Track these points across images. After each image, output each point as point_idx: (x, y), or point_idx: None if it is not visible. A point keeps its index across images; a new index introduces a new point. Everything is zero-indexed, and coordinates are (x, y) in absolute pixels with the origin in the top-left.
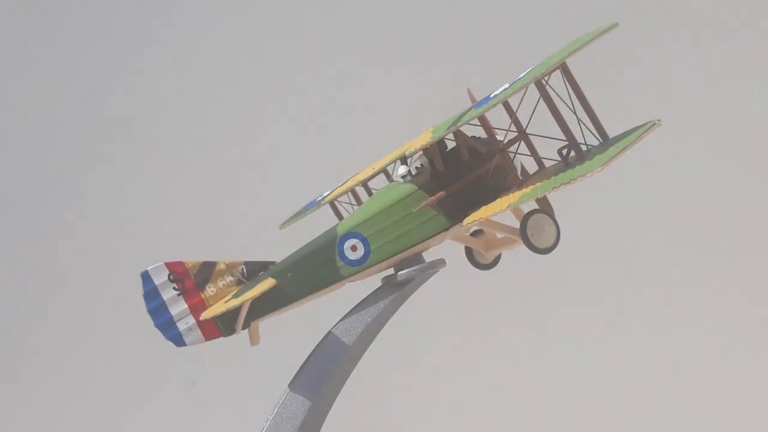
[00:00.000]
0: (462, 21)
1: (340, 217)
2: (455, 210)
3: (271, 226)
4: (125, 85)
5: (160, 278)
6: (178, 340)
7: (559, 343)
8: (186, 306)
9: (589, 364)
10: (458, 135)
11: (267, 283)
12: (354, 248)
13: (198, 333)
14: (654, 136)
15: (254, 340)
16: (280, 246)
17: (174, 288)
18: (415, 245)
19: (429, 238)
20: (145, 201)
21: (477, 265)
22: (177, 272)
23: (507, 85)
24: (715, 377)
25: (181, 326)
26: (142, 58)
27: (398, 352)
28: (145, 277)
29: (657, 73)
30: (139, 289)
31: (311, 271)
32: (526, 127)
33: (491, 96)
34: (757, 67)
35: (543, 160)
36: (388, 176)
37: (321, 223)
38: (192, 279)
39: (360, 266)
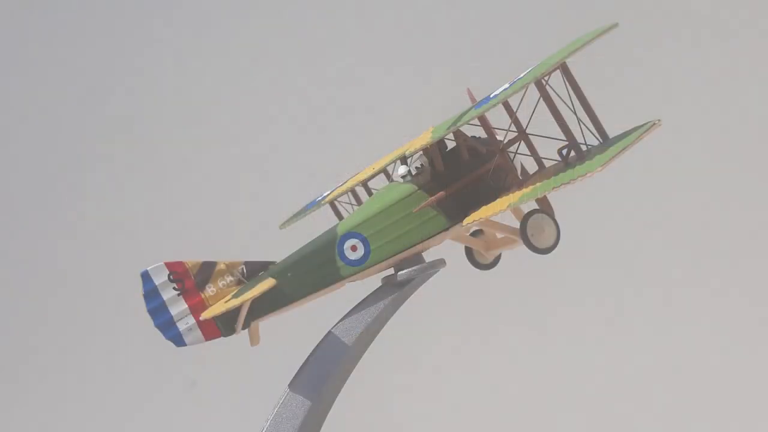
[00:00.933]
0: (462, 21)
1: (340, 217)
2: (455, 210)
3: (271, 226)
4: (125, 85)
5: (160, 278)
6: (178, 340)
7: (559, 343)
8: (186, 306)
9: (589, 364)
10: (458, 135)
11: (267, 283)
12: (354, 248)
13: (198, 333)
14: (654, 136)
15: (254, 340)
16: (280, 246)
17: (174, 288)
18: (415, 245)
19: (429, 238)
20: (145, 201)
21: (477, 265)
22: (177, 272)
23: (507, 85)
24: (715, 377)
25: (181, 326)
26: (142, 58)
27: (398, 352)
28: (145, 277)
29: (657, 73)
30: (139, 289)
31: (311, 271)
32: (526, 127)
33: (491, 96)
34: (757, 67)
35: (543, 160)
36: (388, 176)
37: (321, 223)
38: (192, 279)
39: (360, 266)
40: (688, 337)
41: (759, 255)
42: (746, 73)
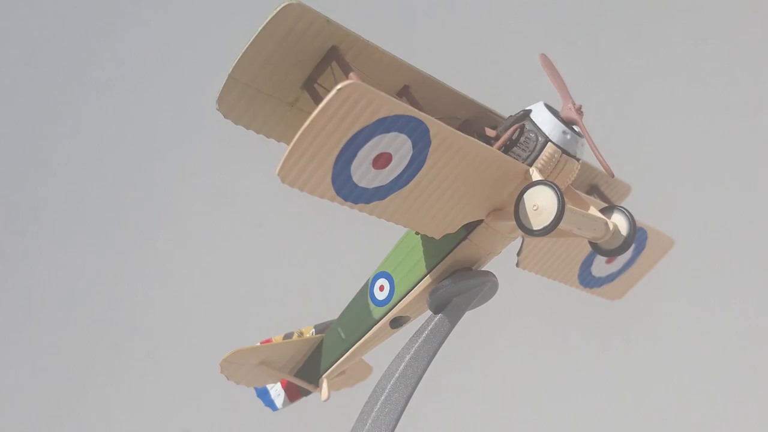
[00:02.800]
0: (462, 21)
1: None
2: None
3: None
4: (126, 86)
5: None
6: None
7: (559, 343)
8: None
9: (590, 364)
10: None
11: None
12: (381, 288)
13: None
14: (654, 137)
15: (324, 394)
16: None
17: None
18: (435, 267)
19: (449, 253)
20: (144, 201)
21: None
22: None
23: None
24: (714, 377)
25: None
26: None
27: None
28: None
29: (657, 73)
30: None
31: (352, 319)
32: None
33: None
34: (758, 66)
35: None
36: None
37: (321, 221)
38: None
39: (387, 305)
40: (687, 338)
41: (760, 255)
42: (746, 73)
